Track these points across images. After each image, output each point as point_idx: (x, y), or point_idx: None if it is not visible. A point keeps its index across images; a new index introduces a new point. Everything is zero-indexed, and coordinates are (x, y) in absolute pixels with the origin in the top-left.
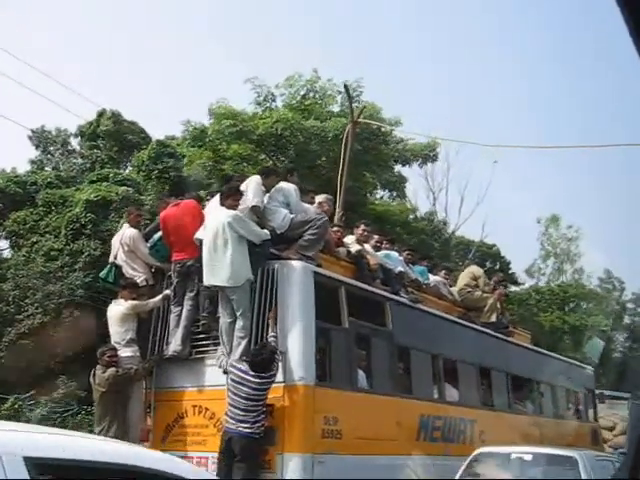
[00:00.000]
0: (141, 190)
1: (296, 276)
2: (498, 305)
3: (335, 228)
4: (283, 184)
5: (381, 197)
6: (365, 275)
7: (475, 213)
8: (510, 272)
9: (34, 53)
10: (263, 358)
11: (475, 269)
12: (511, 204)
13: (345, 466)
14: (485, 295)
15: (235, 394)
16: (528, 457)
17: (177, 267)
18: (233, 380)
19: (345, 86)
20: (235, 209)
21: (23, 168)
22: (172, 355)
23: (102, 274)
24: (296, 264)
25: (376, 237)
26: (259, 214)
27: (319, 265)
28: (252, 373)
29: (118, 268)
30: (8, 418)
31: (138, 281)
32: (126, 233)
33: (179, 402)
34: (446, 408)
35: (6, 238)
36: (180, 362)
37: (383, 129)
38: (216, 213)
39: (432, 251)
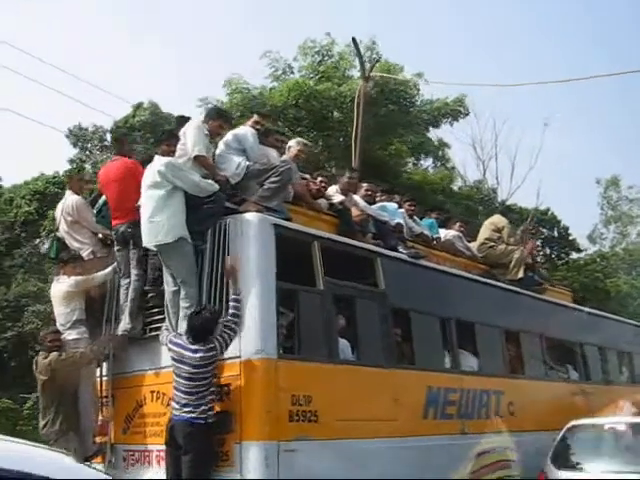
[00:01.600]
0: None
1: (251, 230)
2: (529, 259)
3: (320, 179)
4: (239, 128)
5: (425, 168)
6: (351, 229)
7: (529, 180)
8: (570, 238)
9: (55, 54)
10: (198, 325)
11: (497, 219)
12: (567, 168)
13: (324, 453)
14: (510, 248)
15: (176, 374)
16: (621, 427)
17: (114, 234)
18: (173, 358)
19: (353, 39)
20: (170, 156)
21: (63, 169)
22: (122, 334)
23: (46, 249)
24: (251, 216)
25: (365, 186)
26: (207, 164)
27: (288, 219)
28: (191, 347)
29: (60, 241)
30: (30, 419)
31: (84, 254)
32: (67, 201)
33: (138, 388)
34: (462, 379)
35: (47, 237)
36: (136, 342)
37: (403, 87)
38: (154, 164)
39: (479, 218)
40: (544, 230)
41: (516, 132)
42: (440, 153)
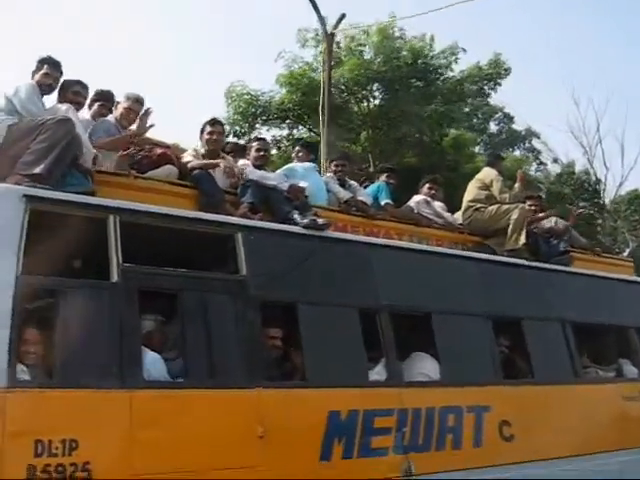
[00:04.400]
0: None
1: None
2: (545, 222)
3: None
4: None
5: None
6: (213, 200)
7: None
8: None
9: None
10: None
11: (484, 173)
12: None
13: None
14: (505, 208)
15: None
16: None
17: None
18: None
19: None
20: None
21: None
22: None
23: None
24: None
25: (256, 145)
26: None
27: (90, 193)
28: None
29: None
30: None
31: None
32: None
33: None
34: (403, 394)
35: None
36: None
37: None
38: None
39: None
40: None
41: (622, 111)
42: (527, 143)
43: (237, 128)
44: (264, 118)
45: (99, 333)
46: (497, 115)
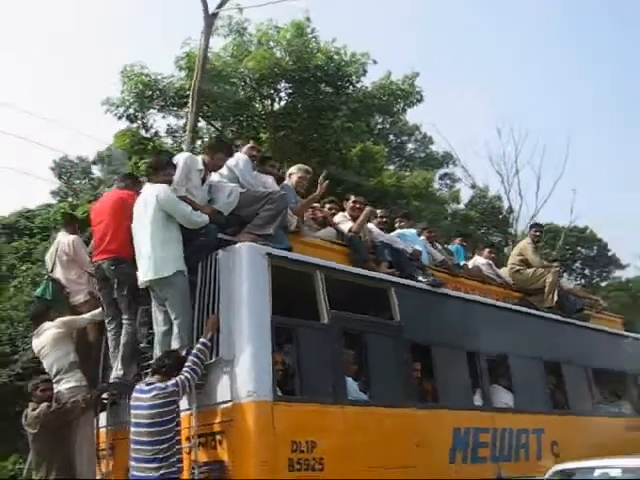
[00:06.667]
0: None
1: (242, 262)
2: (566, 283)
3: (328, 206)
4: (233, 156)
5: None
6: (363, 258)
7: (561, 194)
8: (610, 254)
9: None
10: (165, 366)
11: (522, 243)
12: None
13: None
14: (540, 272)
15: (135, 424)
16: (616, 472)
17: (95, 271)
18: (132, 407)
19: None
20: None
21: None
22: (115, 382)
23: (37, 292)
24: (241, 247)
25: (380, 212)
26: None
27: (289, 249)
28: (145, 388)
29: (56, 283)
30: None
31: (77, 298)
32: (63, 240)
33: None
34: (495, 417)
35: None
36: None
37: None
38: (144, 194)
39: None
40: (582, 250)
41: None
42: (445, 167)
43: (131, 111)
44: (162, 104)
45: (320, 361)
46: (414, 134)
